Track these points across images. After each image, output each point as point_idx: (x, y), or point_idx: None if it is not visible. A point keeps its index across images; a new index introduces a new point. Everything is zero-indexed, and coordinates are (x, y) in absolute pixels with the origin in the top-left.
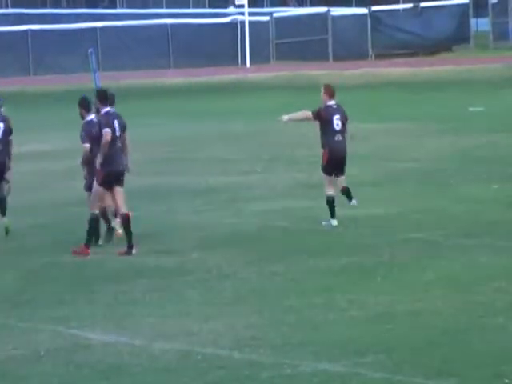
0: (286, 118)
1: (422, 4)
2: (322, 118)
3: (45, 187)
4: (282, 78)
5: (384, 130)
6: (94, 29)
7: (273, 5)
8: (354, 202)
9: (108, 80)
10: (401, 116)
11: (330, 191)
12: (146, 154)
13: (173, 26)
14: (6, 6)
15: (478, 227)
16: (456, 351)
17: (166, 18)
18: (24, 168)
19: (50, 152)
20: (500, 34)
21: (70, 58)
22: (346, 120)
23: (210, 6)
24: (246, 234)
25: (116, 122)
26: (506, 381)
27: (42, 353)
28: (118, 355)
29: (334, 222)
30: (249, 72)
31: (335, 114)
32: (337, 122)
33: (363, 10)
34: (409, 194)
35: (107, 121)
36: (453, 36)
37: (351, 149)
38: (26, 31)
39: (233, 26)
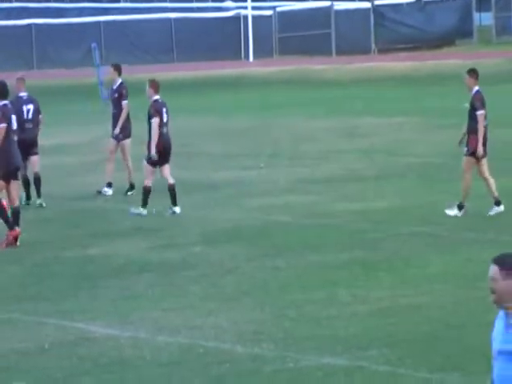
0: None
1: None
2: (154, 111)
3: (48, 182)
4: (285, 72)
5: (387, 124)
6: (98, 23)
7: None
8: (175, 209)
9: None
10: (403, 110)
11: (150, 183)
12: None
13: (176, 20)
14: (10, 0)
15: (481, 221)
16: (459, 345)
17: (170, 12)
18: None
19: (56, 146)
20: (503, 29)
21: (73, 52)
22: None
23: (213, 0)
24: (248, 228)
25: (14, 116)
26: None
27: (46, 346)
28: (121, 348)
29: (144, 212)
30: (252, 66)
31: (163, 107)
32: (165, 115)
33: (366, 5)
34: (412, 189)
35: (4, 114)
36: (456, 30)
37: (351, 144)
38: (29, 25)
39: (236, 20)
